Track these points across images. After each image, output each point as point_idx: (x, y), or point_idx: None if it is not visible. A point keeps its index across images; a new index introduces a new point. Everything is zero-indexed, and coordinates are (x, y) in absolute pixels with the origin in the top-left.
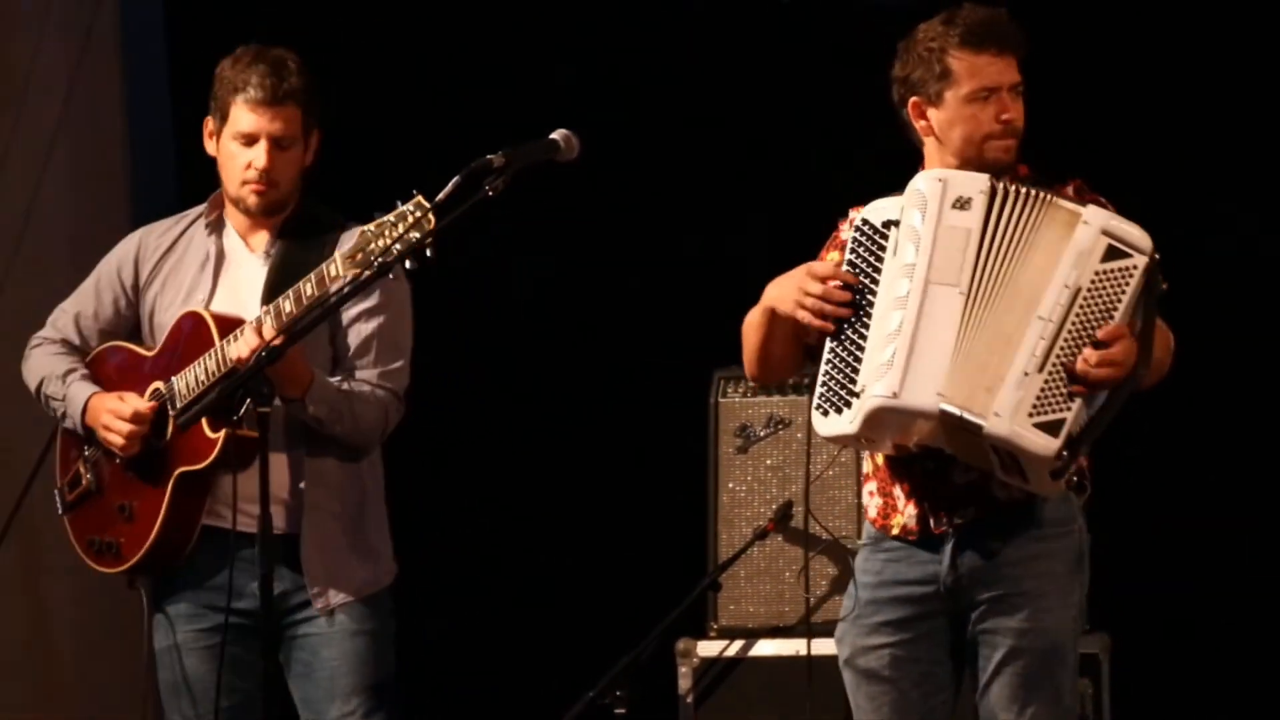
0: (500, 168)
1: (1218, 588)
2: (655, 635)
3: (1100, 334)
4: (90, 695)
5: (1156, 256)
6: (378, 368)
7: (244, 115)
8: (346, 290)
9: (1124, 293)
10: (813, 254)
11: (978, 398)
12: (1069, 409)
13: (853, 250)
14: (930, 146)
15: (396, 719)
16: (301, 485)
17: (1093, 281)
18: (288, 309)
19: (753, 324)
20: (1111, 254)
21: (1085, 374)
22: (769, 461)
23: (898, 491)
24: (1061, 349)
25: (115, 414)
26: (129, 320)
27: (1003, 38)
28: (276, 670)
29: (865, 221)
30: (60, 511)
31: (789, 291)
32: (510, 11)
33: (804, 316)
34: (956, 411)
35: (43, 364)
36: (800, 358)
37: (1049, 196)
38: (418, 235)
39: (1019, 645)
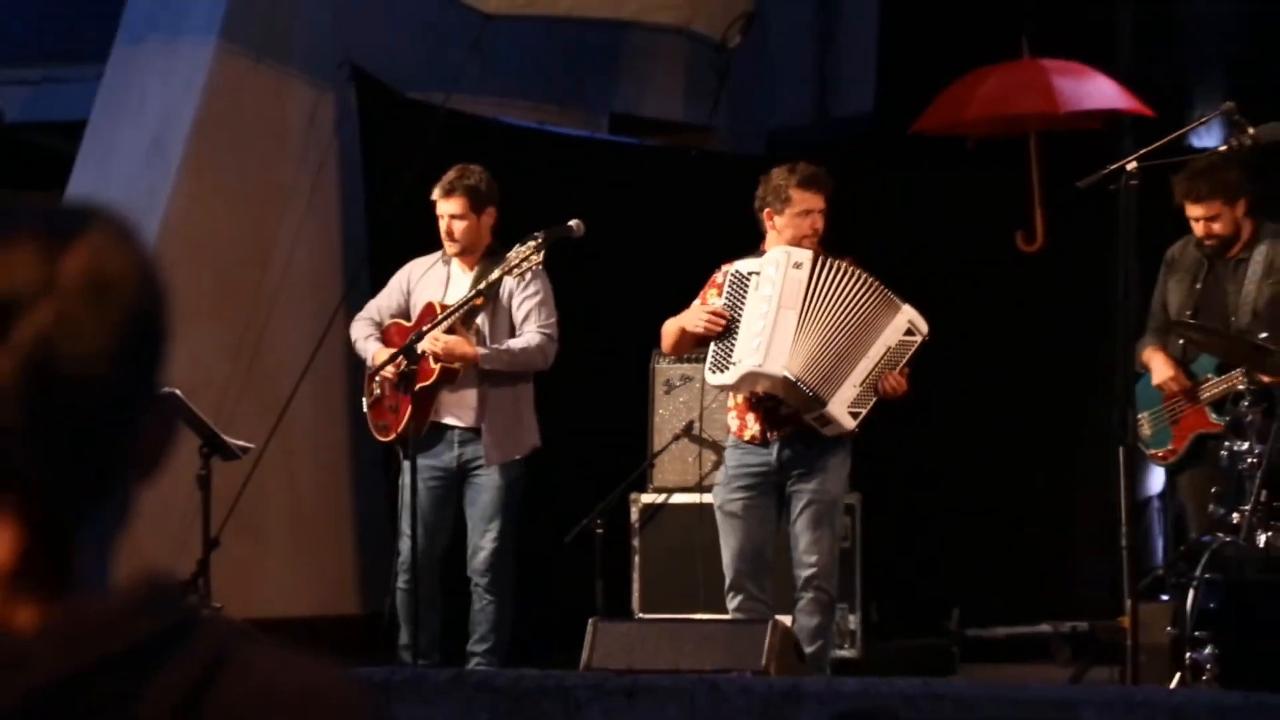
0: (541, 241)
1: (933, 463)
2: (619, 491)
3: (899, 370)
4: (336, 531)
5: (927, 338)
6: (536, 323)
7: (439, 202)
8: (482, 291)
9: (908, 352)
10: (701, 285)
11: (821, 384)
12: (866, 407)
13: (729, 286)
14: (772, 235)
15: (514, 539)
16: (482, 398)
17: (898, 343)
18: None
19: (672, 332)
20: (909, 331)
21: (886, 388)
22: (683, 399)
23: (750, 417)
24: (873, 374)
25: (378, 360)
26: (404, 309)
27: (821, 183)
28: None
29: (736, 271)
30: (365, 409)
31: (693, 318)
32: None
33: (701, 328)
34: (805, 388)
35: (357, 329)
36: (695, 345)
37: (878, 285)
38: (524, 259)
39: (813, 498)
